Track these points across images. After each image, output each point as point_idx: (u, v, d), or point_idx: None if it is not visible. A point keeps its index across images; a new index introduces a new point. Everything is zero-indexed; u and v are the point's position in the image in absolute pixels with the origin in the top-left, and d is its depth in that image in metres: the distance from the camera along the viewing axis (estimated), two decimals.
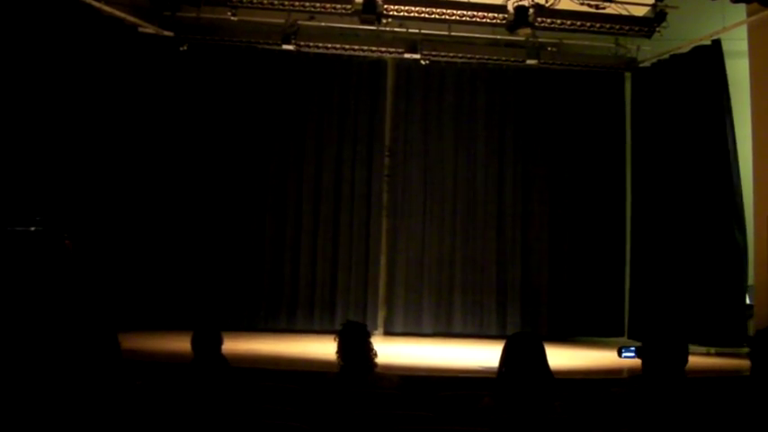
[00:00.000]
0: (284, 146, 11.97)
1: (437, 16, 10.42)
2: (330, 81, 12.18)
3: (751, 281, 10.06)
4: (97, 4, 10.18)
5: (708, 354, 10.05)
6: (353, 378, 4.54)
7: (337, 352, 4.70)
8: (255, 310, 11.57)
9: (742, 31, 10.25)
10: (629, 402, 3.43)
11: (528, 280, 12.23)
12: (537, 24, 10.18)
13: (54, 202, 9.07)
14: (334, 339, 4.66)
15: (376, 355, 4.82)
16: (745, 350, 9.18)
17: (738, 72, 10.39)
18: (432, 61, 11.95)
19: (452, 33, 11.47)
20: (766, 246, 9.56)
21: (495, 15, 10.24)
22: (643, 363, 3.51)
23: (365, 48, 11.73)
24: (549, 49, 11.97)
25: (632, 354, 3.68)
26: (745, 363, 7.84)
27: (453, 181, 12.32)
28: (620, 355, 3.74)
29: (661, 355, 3.45)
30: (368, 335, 4.77)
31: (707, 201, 10.71)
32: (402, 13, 10.37)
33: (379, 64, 12.30)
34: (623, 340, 11.65)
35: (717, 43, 10.68)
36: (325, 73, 12.14)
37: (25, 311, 7.09)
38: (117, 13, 10.57)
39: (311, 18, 11.03)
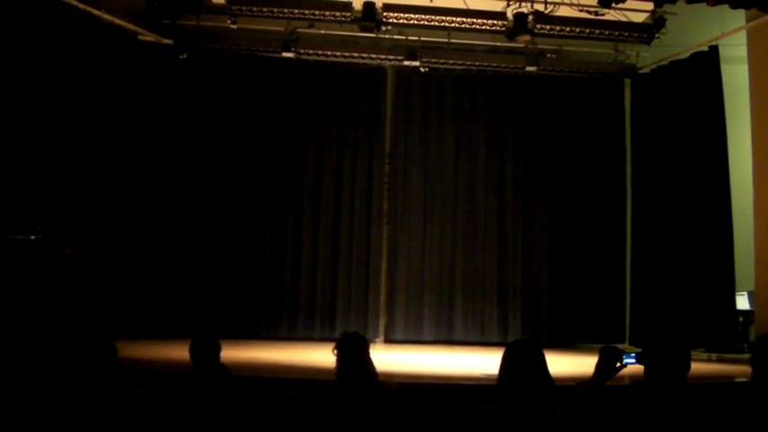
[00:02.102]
0: (284, 154, 11.98)
1: (436, 23, 10.43)
2: (330, 88, 12.20)
3: (751, 286, 10.06)
4: (97, 13, 10.22)
5: (709, 359, 10.04)
6: (353, 386, 4.50)
7: (336, 366, 4.61)
8: (256, 318, 11.55)
9: (741, 37, 10.26)
10: (631, 409, 3.42)
11: (529, 287, 12.23)
12: (536, 31, 10.18)
13: (54, 211, 9.08)
14: (333, 352, 4.60)
15: (374, 369, 4.73)
16: (746, 356, 9.18)
17: (738, 77, 10.41)
18: (431, 68, 11.99)
19: (452, 40, 11.49)
20: (767, 250, 9.56)
21: (495, 22, 10.25)
22: (645, 369, 3.50)
23: (365, 55, 11.73)
24: (549, 55, 11.98)
25: (633, 360, 3.65)
26: (746, 369, 7.82)
27: (453, 188, 12.33)
28: (620, 361, 3.72)
29: (664, 361, 3.44)
30: (366, 346, 4.68)
31: (704, 206, 10.74)
32: (401, 21, 10.38)
33: (379, 71, 12.33)
34: (625, 346, 11.62)
35: (714, 49, 10.71)
36: (324, 80, 12.17)
37: (24, 319, 7.09)
38: (117, 21, 10.61)
39: (311, 26, 11.04)
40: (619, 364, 3.69)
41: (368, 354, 4.62)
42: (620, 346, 3.98)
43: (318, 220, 11.97)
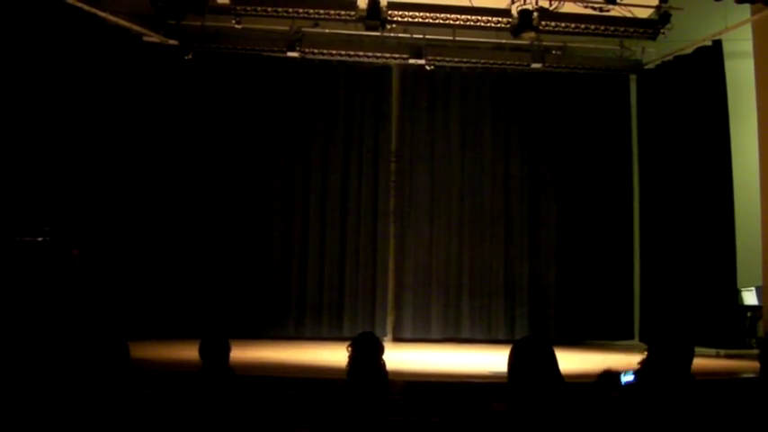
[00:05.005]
0: (290, 153, 11.98)
1: (441, 21, 10.42)
2: (335, 87, 12.19)
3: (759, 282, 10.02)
4: (102, 14, 10.24)
5: (717, 356, 10.01)
6: (364, 385, 4.48)
7: (348, 365, 4.56)
8: (264, 318, 11.56)
9: (746, 31, 10.23)
10: (637, 405, 3.41)
11: (536, 284, 12.21)
12: (541, 28, 10.16)
13: (62, 212, 9.10)
14: (347, 349, 4.58)
15: (386, 371, 4.72)
16: (755, 351, 9.15)
17: (744, 72, 10.38)
18: (437, 66, 11.96)
19: (457, 38, 11.47)
20: None
21: (500, 19, 10.23)
22: (648, 363, 3.49)
23: (370, 54, 11.70)
24: (554, 52, 11.93)
25: (632, 378, 3.63)
26: (754, 364, 7.81)
27: (460, 185, 12.31)
28: (619, 381, 3.69)
29: (666, 354, 3.43)
30: (381, 348, 4.64)
31: (710, 203, 10.71)
32: (406, 19, 10.37)
33: (384, 70, 12.32)
34: (634, 343, 11.62)
35: (717, 44, 10.68)
36: (330, 79, 12.16)
37: (33, 321, 7.11)
38: (122, 22, 10.62)
39: (315, 25, 11.04)
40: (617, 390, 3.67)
41: (381, 355, 4.58)
42: (629, 343, 3.97)
43: (325, 219, 11.96)
